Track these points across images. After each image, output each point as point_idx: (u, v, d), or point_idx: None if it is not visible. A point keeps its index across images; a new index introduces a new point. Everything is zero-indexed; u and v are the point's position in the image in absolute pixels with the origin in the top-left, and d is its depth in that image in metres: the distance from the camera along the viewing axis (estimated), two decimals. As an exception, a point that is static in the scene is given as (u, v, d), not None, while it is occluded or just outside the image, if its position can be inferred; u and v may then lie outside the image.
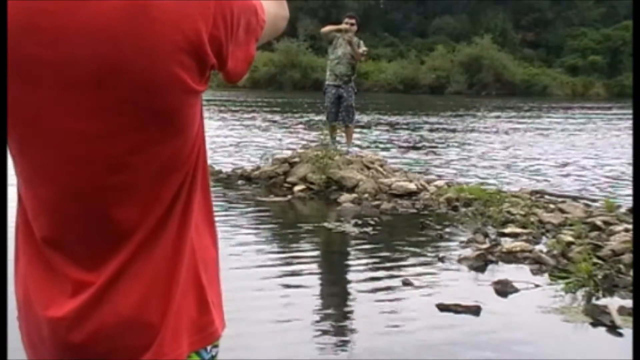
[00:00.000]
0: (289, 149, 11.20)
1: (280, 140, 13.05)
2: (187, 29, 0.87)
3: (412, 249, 5.41)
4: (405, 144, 13.40)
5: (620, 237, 5.08)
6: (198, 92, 0.93)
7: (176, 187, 0.96)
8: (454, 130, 16.86)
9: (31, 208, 0.97)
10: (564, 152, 12.64)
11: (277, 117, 18.80)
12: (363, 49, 8.61)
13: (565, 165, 10.89)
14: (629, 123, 19.88)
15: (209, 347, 1.04)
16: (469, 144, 13.75)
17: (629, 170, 10.21)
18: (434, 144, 13.59)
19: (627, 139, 15.54)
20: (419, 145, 13.40)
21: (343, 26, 8.49)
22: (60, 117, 0.88)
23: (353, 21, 8.60)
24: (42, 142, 0.91)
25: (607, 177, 9.63)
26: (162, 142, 0.92)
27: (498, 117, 22.45)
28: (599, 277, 4.42)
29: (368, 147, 11.83)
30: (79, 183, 0.92)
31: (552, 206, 6.51)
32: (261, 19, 1.03)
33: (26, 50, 0.86)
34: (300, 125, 16.65)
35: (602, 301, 4.10)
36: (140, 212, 0.94)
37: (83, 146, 0.90)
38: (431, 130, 16.64)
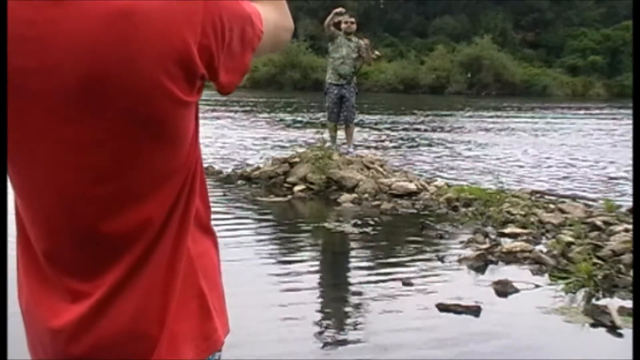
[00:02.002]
0: (249, 148, 11.16)
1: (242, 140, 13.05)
2: (173, 37, 0.85)
3: (412, 249, 5.41)
4: (373, 144, 13.27)
5: (620, 237, 5.08)
6: (188, 102, 0.91)
7: (173, 196, 0.94)
8: (430, 130, 16.84)
9: (26, 217, 0.96)
10: (534, 152, 12.61)
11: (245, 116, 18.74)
12: (377, 53, 8.61)
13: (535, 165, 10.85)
14: (603, 124, 19.93)
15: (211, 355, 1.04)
16: (440, 144, 13.68)
17: (588, 170, 10.24)
18: (401, 144, 13.52)
19: (595, 138, 15.56)
20: (385, 144, 13.31)
21: (338, 10, 8.38)
22: (46, 126, 0.87)
23: (352, 20, 8.59)
24: (30, 151, 0.90)
25: (562, 177, 9.57)
26: (152, 152, 0.91)
27: (472, 116, 22.37)
28: (599, 277, 4.41)
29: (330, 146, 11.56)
30: (68, 193, 0.91)
31: (552, 206, 6.51)
32: (258, 29, 1.00)
33: (10, 61, 0.85)
34: (264, 124, 16.62)
35: (602, 301, 4.10)
36: (137, 223, 0.92)
37: (70, 155, 0.88)
38: (405, 130, 16.61)
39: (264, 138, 13.54)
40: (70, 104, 0.86)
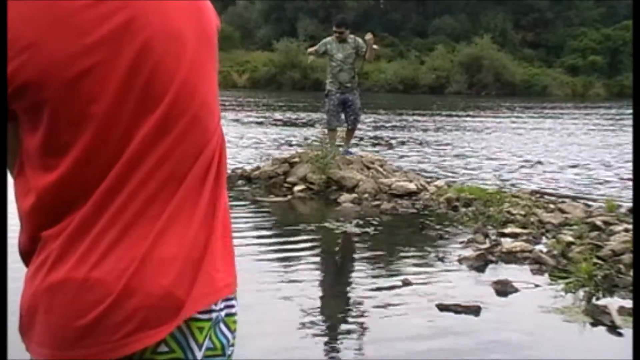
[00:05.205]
0: (247, 147, 11.03)
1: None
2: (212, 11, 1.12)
3: (412, 249, 5.41)
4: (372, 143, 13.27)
5: (620, 237, 5.08)
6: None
7: (212, 149, 1.05)
8: (411, 129, 16.83)
9: (74, 175, 0.98)
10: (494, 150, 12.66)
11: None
12: (375, 46, 8.34)
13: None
14: (603, 124, 19.92)
15: (222, 309, 1.16)
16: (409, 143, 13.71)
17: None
18: (376, 142, 13.50)
19: (594, 138, 15.56)
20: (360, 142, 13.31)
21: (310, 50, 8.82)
22: (128, 83, 0.97)
23: (342, 29, 8.24)
24: (108, 98, 0.96)
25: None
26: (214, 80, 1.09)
27: (470, 116, 22.38)
28: (599, 277, 4.41)
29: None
30: (141, 148, 0.98)
31: (552, 206, 6.51)
32: None
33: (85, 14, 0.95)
34: (263, 124, 16.61)
35: (602, 301, 4.10)
36: (192, 163, 1.02)
37: (137, 96, 0.98)
38: (386, 130, 16.60)
39: (263, 137, 13.55)
40: (151, 56, 0.98)
